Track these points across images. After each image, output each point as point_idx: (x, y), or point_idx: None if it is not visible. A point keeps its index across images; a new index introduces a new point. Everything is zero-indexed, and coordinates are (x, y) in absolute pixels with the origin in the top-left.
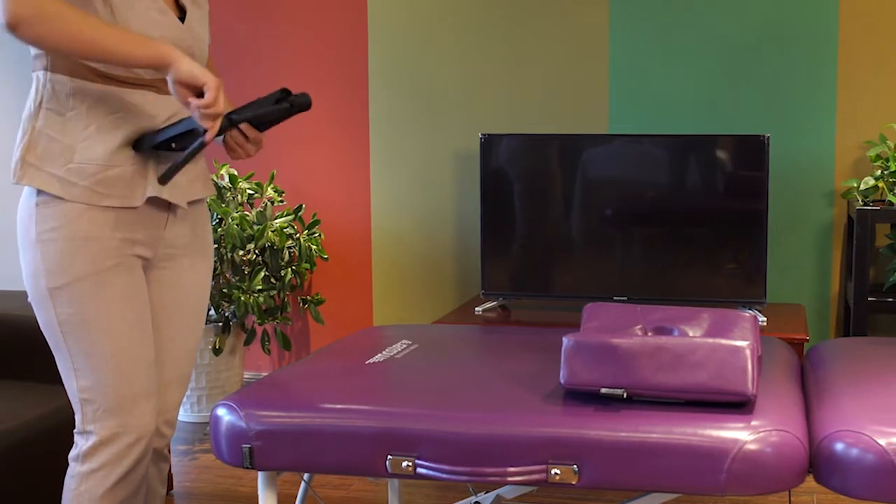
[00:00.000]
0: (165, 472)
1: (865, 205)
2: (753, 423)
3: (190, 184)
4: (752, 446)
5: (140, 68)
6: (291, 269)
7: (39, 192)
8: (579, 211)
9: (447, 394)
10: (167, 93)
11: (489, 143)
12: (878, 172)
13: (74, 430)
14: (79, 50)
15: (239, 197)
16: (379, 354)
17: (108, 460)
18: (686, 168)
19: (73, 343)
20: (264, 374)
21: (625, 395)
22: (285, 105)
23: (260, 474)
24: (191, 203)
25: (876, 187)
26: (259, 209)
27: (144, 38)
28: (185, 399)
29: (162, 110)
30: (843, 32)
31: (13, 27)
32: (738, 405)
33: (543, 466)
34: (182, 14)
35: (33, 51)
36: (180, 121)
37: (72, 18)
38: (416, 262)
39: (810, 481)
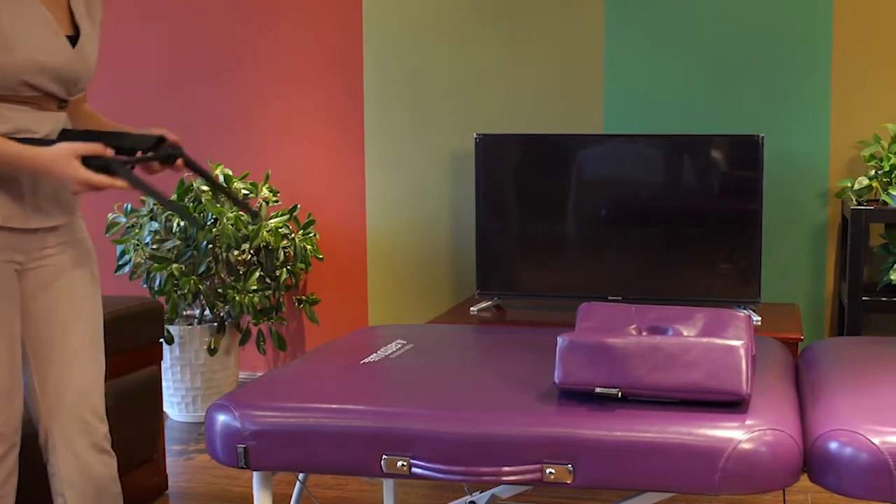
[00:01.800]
0: (113, 467)
1: (860, 204)
2: (748, 422)
3: (57, 206)
4: (746, 445)
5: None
6: (286, 269)
7: None
8: (574, 211)
9: (442, 393)
10: (48, 109)
11: (484, 144)
12: (873, 172)
13: None
14: None
15: None
16: (374, 354)
17: None
18: (681, 168)
19: None
20: (259, 374)
21: (619, 395)
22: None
23: (255, 474)
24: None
25: (870, 187)
26: (254, 209)
27: (15, 159)
28: (180, 399)
29: (42, 126)
30: (837, 32)
31: None
32: (732, 405)
33: (538, 466)
34: (77, 34)
35: None
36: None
37: None
38: (411, 262)
39: (805, 480)
